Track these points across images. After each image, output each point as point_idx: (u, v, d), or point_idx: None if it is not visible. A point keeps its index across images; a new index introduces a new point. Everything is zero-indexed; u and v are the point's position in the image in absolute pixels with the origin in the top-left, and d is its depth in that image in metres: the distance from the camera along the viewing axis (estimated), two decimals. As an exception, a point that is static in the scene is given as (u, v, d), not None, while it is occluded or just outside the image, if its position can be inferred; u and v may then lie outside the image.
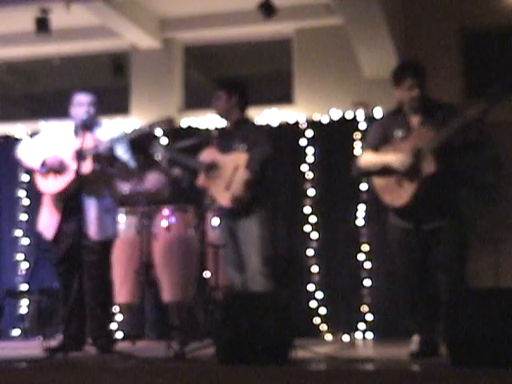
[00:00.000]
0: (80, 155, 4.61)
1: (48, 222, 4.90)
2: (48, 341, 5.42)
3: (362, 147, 4.56)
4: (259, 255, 4.82)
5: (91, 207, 4.81)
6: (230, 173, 4.89)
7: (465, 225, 4.32)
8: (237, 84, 5.22)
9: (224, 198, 4.91)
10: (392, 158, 4.25)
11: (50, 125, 5.22)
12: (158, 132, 7.40)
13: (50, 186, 4.86)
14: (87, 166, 4.74)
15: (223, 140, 5.14)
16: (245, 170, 4.82)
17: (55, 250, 4.89)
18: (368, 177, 4.41)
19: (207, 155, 5.09)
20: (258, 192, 4.88)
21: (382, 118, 4.71)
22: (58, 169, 4.82)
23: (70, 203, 4.76)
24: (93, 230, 4.79)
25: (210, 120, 7.43)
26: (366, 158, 4.42)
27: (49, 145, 4.93)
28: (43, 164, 4.85)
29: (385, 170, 4.28)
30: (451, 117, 4.13)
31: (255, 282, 4.78)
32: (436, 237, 4.25)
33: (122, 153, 4.92)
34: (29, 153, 4.98)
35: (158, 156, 5.26)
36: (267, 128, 5.40)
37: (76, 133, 4.78)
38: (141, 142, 5.30)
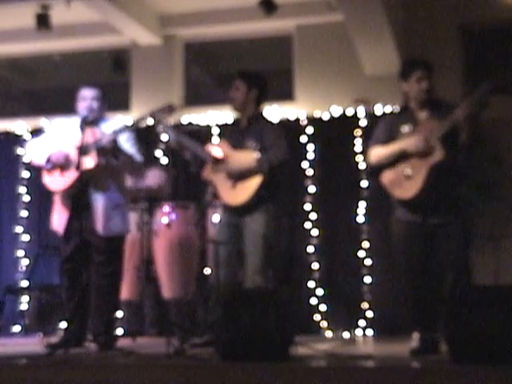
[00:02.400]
0: (81, 151, 4.59)
1: (59, 219, 4.87)
2: (48, 337, 5.42)
3: (369, 145, 4.56)
4: (260, 254, 4.80)
5: (99, 203, 4.77)
6: (236, 170, 4.86)
7: (468, 222, 4.34)
8: (258, 77, 5.07)
9: (229, 196, 4.87)
10: (404, 142, 4.31)
11: (55, 121, 5.19)
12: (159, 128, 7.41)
13: (57, 183, 4.84)
14: (92, 161, 4.72)
15: (235, 134, 5.02)
16: (255, 175, 4.77)
17: (63, 247, 4.85)
18: (380, 172, 4.41)
19: (217, 148, 5.00)
20: (267, 192, 4.84)
21: (387, 116, 4.75)
22: (64, 164, 4.79)
23: (78, 200, 4.71)
24: (100, 226, 4.76)
25: (210, 116, 7.43)
26: (375, 152, 4.45)
27: (55, 142, 4.91)
28: (48, 160, 4.83)
29: (400, 157, 4.31)
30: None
31: (254, 283, 4.76)
32: (441, 232, 4.26)
33: (129, 146, 4.89)
34: (35, 151, 4.96)
35: (167, 134, 5.05)
36: (281, 127, 5.28)
37: (81, 128, 4.71)
38: (143, 137, 5.26)
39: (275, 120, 5.85)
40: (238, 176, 4.83)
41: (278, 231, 5.07)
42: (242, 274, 5.03)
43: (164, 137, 5.08)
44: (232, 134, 5.06)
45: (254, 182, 4.79)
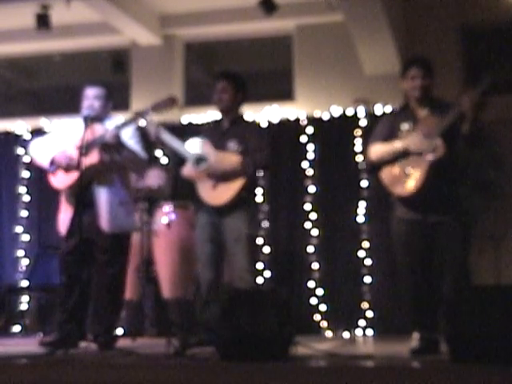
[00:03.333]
0: (82, 150, 4.56)
1: (64, 218, 4.84)
2: (48, 337, 5.41)
3: (369, 141, 4.56)
4: (246, 253, 4.80)
5: (103, 199, 4.74)
6: (219, 171, 4.84)
7: (468, 221, 4.34)
8: (243, 80, 5.05)
9: (210, 197, 4.86)
10: (407, 141, 4.31)
11: (59, 122, 5.16)
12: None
13: (61, 181, 4.81)
14: (94, 157, 4.69)
15: (216, 135, 4.98)
16: (238, 177, 4.78)
17: (64, 244, 4.80)
18: (379, 169, 4.41)
19: (198, 146, 4.94)
20: (248, 194, 4.84)
21: (388, 114, 4.77)
22: (67, 166, 4.76)
23: (82, 197, 4.66)
24: (105, 222, 4.72)
25: (210, 116, 7.42)
26: (375, 149, 4.45)
27: (58, 142, 4.89)
28: (52, 162, 4.82)
29: (400, 155, 4.32)
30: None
31: (243, 280, 4.76)
32: (440, 230, 4.26)
33: (133, 143, 4.86)
34: (40, 152, 4.94)
35: (148, 129, 4.99)
36: (265, 130, 5.29)
37: (85, 127, 4.65)
38: (142, 136, 5.23)
39: (271, 119, 5.86)
40: (221, 177, 4.82)
41: (257, 229, 5.06)
42: (227, 274, 5.04)
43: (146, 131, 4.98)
44: (213, 135, 5.02)
45: (236, 184, 4.79)
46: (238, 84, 4.97)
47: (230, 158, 4.82)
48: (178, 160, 5.00)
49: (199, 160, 4.89)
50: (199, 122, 7.44)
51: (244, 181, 4.79)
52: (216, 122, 5.11)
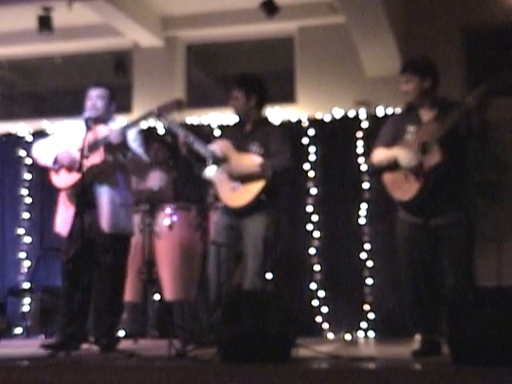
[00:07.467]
0: (83, 153, 4.56)
1: (64, 219, 4.83)
2: (50, 339, 5.41)
3: (374, 144, 4.55)
4: (260, 257, 4.79)
5: (105, 199, 4.74)
6: (237, 173, 4.85)
7: (471, 223, 4.32)
8: (255, 83, 5.03)
9: (229, 198, 4.87)
10: (399, 152, 4.29)
11: (63, 123, 5.16)
12: (161, 130, 7.40)
13: (63, 180, 4.81)
14: (98, 157, 4.68)
15: (239, 137, 4.98)
16: (257, 179, 4.77)
17: (67, 248, 4.79)
18: (380, 173, 4.41)
19: (220, 147, 4.97)
20: (267, 197, 4.82)
21: (394, 116, 4.74)
22: (69, 165, 4.76)
23: (83, 197, 4.65)
24: (105, 223, 4.72)
25: (212, 118, 7.43)
26: (377, 154, 4.45)
27: (62, 143, 4.89)
28: (55, 160, 4.81)
29: (394, 165, 4.31)
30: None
31: (253, 284, 4.76)
32: (444, 233, 4.26)
33: (136, 146, 4.86)
34: (43, 151, 4.94)
35: (173, 130, 4.97)
36: (286, 131, 5.27)
37: (87, 129, 4.67)
38: (144, 138, 5.23)
39: (279, 123, 5.84)
40: (240, 178, 4.82)
41: (277, 235, 5.06)
42: (239, 276, 5.03)
43: (169, 132, 4.99)
44: (236, 137, 5.03)
45: (256, 187, 4.79)
46: (248, 89, 4.94)
47: (250, 160, 4.82)
48: (200, 161, 4.99)
49: (219, 161, 4.89)
50: (201, 124, 7.43)
51: (263, 183, 4.78)
52: (239, 125, 5.10)
